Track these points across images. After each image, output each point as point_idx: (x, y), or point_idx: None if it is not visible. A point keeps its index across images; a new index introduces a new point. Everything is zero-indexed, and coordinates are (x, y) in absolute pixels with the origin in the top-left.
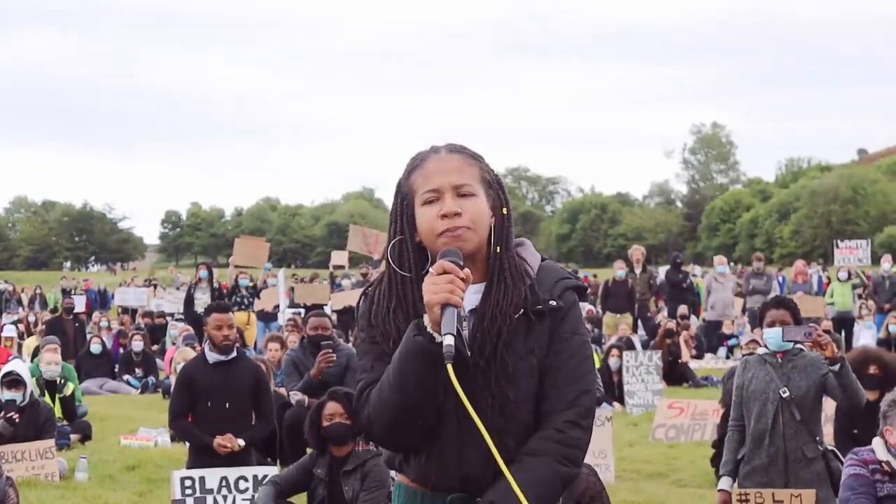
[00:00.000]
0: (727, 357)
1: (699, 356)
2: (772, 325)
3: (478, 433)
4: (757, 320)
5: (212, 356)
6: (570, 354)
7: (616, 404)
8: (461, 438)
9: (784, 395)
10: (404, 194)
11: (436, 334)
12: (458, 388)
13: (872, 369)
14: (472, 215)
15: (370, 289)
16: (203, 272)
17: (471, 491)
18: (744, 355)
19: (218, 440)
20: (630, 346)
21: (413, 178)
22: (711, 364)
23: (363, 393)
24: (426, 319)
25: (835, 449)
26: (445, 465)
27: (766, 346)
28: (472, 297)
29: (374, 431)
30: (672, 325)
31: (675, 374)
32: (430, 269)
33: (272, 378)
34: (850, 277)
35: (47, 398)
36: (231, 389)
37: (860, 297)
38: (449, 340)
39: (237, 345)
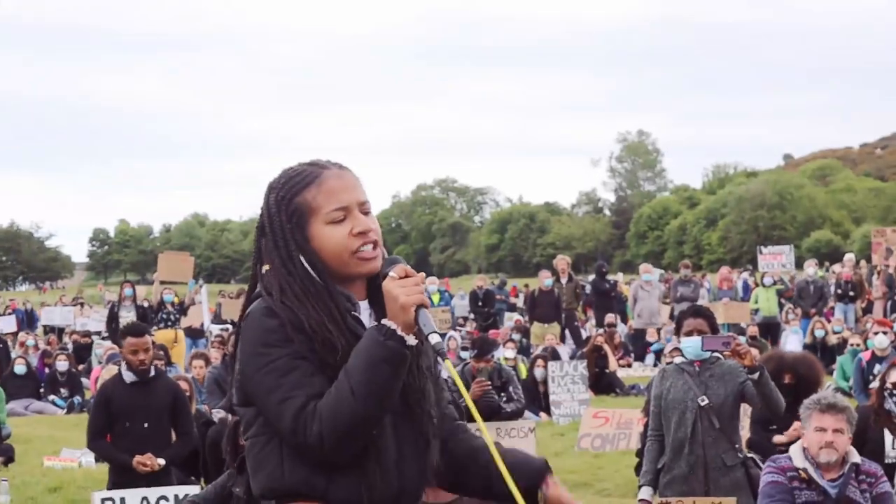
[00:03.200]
0: (655, 365)
1: (628, 364)
2: (689, 334)
3: (413, 443)
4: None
5: (129, 376)
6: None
7: (542, 414)
8: (398, 449)
9: (702, 404)
10: (293, 211)
11: (407, 336)
12: (460, 383)
13: (787, 378)
14: (377, 233)
15: (268, 304)
16: (128, 290)
17: None
18: (665, 364)
19: (138, 459)
20: (556, 356)
21: (309, 194)
22: (639, 372)
23: (304, 408)
24: (391, 323)
25: (754, 456)
26: (385, 478)
27: (683, 355)
28: (364, 314)
29: (327, 445)
30: (601, 338)
31: (603, 382)
32: (392, 274)
33: (195, 396)
34: (774, 283)
35: None
36: (149, 409)
37: (787, 301)
38: (436, 338)
39: (160, 363)
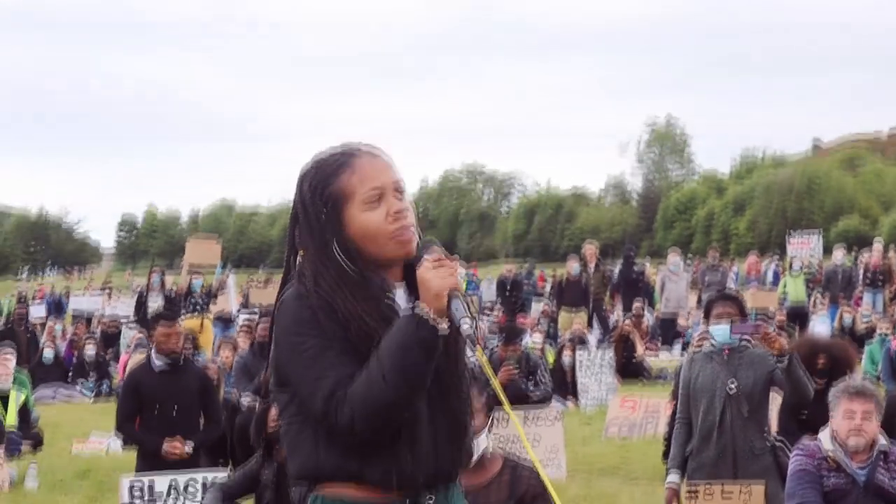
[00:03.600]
0: (682, 352)
1: (654, 351)
2: (718, 319)
3: (447, 426)
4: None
5: (158, 363)
6: None
7: (570, 401)
8: (433, 431)
9: (731, 390)
10: (328, 197)
11: (439, 323)
12: (490, 373)
13: (821, 361)
14: (411, 213)
15: (301, 290)
16: (156, 277)
17: (437, 488)
18: (693, 350)
19: (167, 444)
20: (583, 343)
21: (342, 179)
22: (666, 359)
23: (335, 391)
24: (423, 309)
25: (783, 442)
26: (420, 461)
27: (712, 341)
28: (401, 298)
29: (358, 428)
30: (628, 325)
31: (631, 369)
32: (426, 259)
33: (223, 382)
34: (803, 269)
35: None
36: (178, 395)
37: (815, 288)
38: (467, 325)
39: (188, 351)
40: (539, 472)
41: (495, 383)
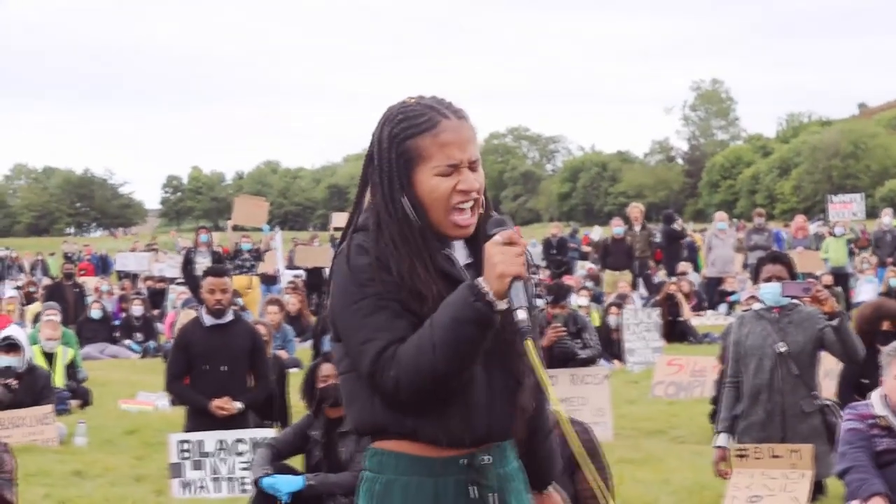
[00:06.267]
0: (728, 313)
1: (700, 312)
2: (768, 280)
3: (504, 384)
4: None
5: (208, 319)
6: None
7: (616, 362)
8: (489, 389)
9: (781, 350)
10: (403, 152)
11: (496, 302)
12: (537, 364)
13: (886, 325)
14: (481, 190)
15: (361, 242)
16: (203, 236)
17: (492, 446)
18: (743, 311)
19: (216, 402)
20: (629, 302)
21: (423, 141)
22: (712, 321)
23: (384, 352)
24: (483, 284)
25: (831, 403)
26: (474, 419)
27: (762, 302)
28: (460, 252)
29: (403, 393)
30: (674, 286)
31: (677, 331)
32: (497, 237)
33: (271, 341)
34: (845, 233)
35: (46, 366)
36: (227, 352)
37: (860, 250)
38: (523, 314)
39: (235, 308)
40: (588, 472)
41: (544, 378)
